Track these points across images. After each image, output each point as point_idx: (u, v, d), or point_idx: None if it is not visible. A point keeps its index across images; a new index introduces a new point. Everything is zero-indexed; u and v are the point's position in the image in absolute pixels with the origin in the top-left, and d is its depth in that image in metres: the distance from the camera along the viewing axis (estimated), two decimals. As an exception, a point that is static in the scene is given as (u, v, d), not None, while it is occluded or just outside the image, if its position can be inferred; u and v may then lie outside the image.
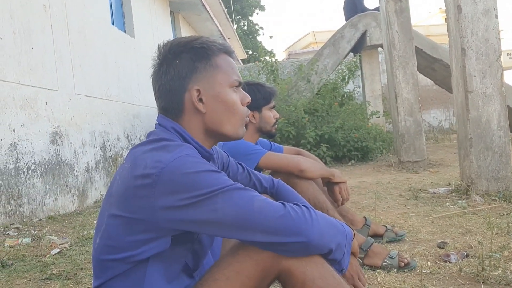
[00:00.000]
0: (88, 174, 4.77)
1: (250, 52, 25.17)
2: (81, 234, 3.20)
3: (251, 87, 2.18)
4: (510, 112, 3.60)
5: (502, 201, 3.16)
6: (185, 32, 11.60)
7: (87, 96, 4.96)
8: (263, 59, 8.07)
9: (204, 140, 1.14)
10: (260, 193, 1.10)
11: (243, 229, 0.97)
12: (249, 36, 26.07)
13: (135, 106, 6.70)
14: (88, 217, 3.91)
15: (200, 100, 1.10)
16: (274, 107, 2.27)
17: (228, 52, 1.15)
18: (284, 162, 2.10)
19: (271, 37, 28.08)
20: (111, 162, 5.42)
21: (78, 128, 4.67)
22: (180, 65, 1.10)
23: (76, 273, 2.31)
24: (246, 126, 2.21)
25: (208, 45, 1.11)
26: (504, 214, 2.85)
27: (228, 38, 15.99)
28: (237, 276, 1.01)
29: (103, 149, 5.27)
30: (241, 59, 21.27)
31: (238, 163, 1.42)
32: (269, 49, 23.68)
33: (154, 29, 8.30)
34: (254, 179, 1.40)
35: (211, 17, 11.69)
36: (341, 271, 1.06)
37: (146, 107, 7.24)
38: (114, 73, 5.99)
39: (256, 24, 26.96)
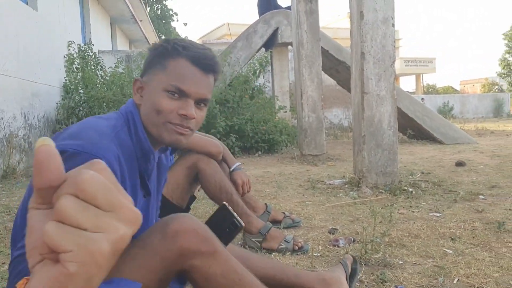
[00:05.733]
0: (-22, 153, 4.41)
1: (163, 37, 24.57)
2: (-32, 216, 2.97)
3: None
4: (399, 114, 3.98)
5: (388, 194, 3.50)
6: (94, 10, 11.03)
7: (-20, 69, 4.57)
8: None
9: (148, 134, 1.14)
10: None
11: None
12: (162, 20, 25.43)
13: (34, 83, 6.27)
14: (-24, 199, 3.63)
15: (140, 91, 1.15)
16: None
17: (194, 61, 1.11)
18: (203, 142, 2.17)
19: (185, 24, 27.84)
20: (4, 142, 5.05)
21: (-32, 103, 4.29)
22: (147, 57, 1.18)
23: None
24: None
25: (174, 47, 1.12)
26: (388, 205, 3.17)
27: (140, 21, 15.49)
28: (140, 269, 1.02)
29: (-4, 127, 4.89)
30: (152, 43, 20.67)
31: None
32: (183, 36, 23.45)
33: (60, 5, 7.79)
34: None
35: (123, -3, 11.26)
36: None
37: (46, 85, 6.81)
38: (13, 47, 5.56)
39: (171, 9, 26.40)
